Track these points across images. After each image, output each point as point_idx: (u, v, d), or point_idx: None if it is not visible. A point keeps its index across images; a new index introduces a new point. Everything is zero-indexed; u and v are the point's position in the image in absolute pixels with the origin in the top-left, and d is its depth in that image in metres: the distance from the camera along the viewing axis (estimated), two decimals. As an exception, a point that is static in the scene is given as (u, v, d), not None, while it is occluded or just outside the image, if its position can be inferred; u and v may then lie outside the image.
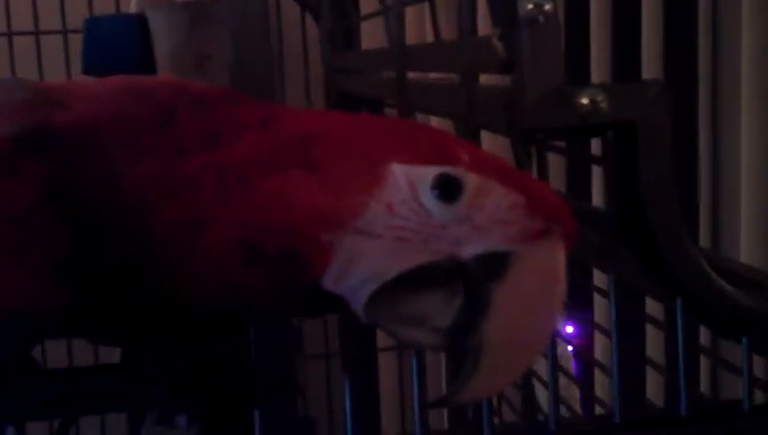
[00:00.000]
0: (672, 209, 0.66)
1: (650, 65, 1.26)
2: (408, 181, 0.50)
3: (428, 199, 0.50)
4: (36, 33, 1.42)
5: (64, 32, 1.40)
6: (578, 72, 1.00)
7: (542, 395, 0.84)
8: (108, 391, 0.68)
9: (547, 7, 0.65)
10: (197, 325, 0.68)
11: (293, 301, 0.54)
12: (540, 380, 0.83)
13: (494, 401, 0.97)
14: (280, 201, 0.51)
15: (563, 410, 0.88)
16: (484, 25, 1.15)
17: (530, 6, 0.65)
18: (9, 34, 1.45)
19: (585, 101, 0.64)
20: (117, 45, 0.74)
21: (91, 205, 0.53)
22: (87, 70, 0.78)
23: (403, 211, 0.50)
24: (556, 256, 0.51)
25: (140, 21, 0.75)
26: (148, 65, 0.81)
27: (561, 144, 0.86)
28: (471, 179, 0.50)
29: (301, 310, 0.58)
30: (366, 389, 1.08)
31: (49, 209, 0.52)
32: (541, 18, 0.65)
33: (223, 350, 0.68)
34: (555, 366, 0.73)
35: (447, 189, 0.50)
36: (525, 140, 0.70)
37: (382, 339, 1.20)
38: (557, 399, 0.71)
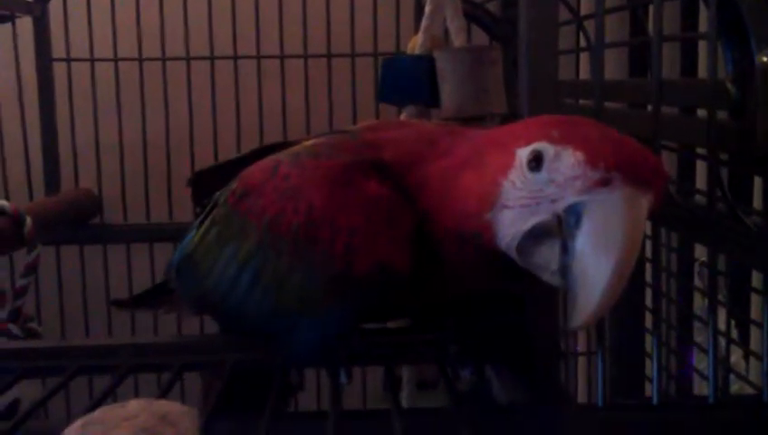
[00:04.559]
0: None
1: None
2: (520, 161, 0.65)
3: (527, 172, 0.64)
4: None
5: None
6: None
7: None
8: (416, 346, 0.85)
9: (781, 60, 0.82)
10: (484, 302, 0.86)
11: (497, 269, 0.69)
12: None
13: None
14: (463, 194, 0.69)
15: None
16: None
17: (765, 59, 0.82)
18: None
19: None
20: (410, 81, 0.91)
21: (412, 200, 0.73)
22: (384, 99, 0.95)
23: (520, 184, 0.65)
24: (621, 200, 0.60)
25: (429, 61, 0.92)
26: (433, 97, 0.99)
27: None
28: (547, 149, 0.63)
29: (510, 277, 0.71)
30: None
31: (398, 198, 0.73)
32: (773, 69, 0.82)
33: (504, 321, 0.84)
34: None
35: (534, 162, 0.64)
36: (751, 169, 0.86)
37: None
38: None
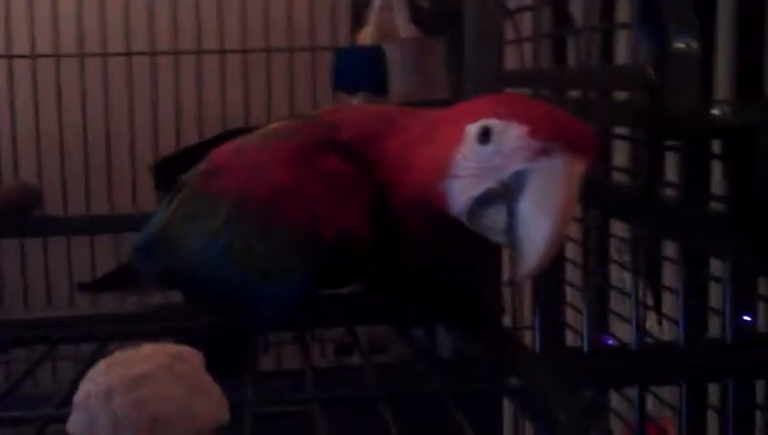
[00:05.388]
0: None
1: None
2: (469, 135, 0.72)
3: (476, 145, 0.71)
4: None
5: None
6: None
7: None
8: (376, 309, 0.92)
9: (693, 46, 0.92)
10: (437, 269, 0.94)
11: (450, 235, 0.76)
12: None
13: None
14: (418, 166, 0.76)
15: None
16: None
17: (680, 45, 0.92)
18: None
19: (716, 112, 0.88)
20: (362, 70, 0.98)
21: (371, 174, 0.81)
22: (338, 87, 1.02)
23: (470, 156, 0.72)
24: (560, 166, 0.67)
25: (378, 52, 1.00)
26: (382, 85, 1.06)
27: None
28: (495, 124, 0.71)
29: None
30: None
31: (356, 171, 0.80)
32: (688, 53, 0.92)
33: (454, 283, 0.93)
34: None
35: (483, 136, 0.71)
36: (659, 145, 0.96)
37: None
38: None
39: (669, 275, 1.31)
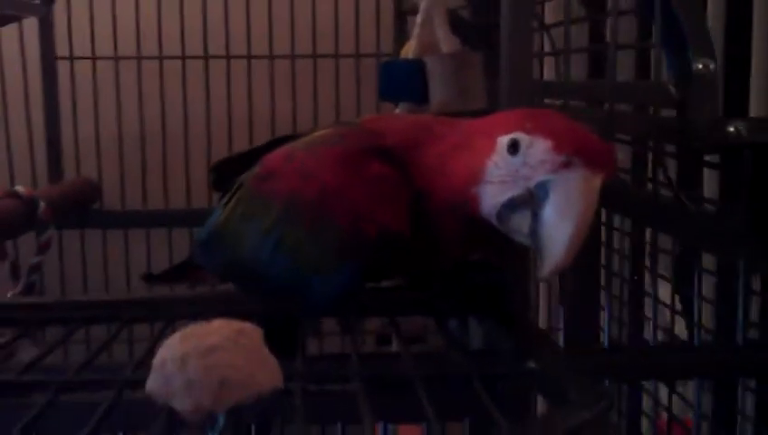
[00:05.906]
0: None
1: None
2: (500, 146, 0.80)
3: (506, 155, 0.79)
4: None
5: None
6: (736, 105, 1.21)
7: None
8: (415, 302, 1.00)
9: (712, 66, 0.99)
10: (469, 266, 1.02)
11: (480, 235, 0.84)
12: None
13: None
14: (454, 172, 0.83)
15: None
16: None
17: (700, 66, 0.99)
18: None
19: (732, 129, 0.96)
20: (405, 82, 1.06)
21: (411, 178, 0.89)
22: (383, 97, 1.11)
23: (500, 165, 0.80)
24: (580, 178, 0.74)
25: (420, 64, 1.08)
26: (424, 96, 1.15)
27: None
28: (523, 138, 0.79)
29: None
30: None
31: (397, 175, 0.88)
32: (707, 73, 0.99)
33: (485, 280, 1.00)
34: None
35: (513, 147, 0.79)
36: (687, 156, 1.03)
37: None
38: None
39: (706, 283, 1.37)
